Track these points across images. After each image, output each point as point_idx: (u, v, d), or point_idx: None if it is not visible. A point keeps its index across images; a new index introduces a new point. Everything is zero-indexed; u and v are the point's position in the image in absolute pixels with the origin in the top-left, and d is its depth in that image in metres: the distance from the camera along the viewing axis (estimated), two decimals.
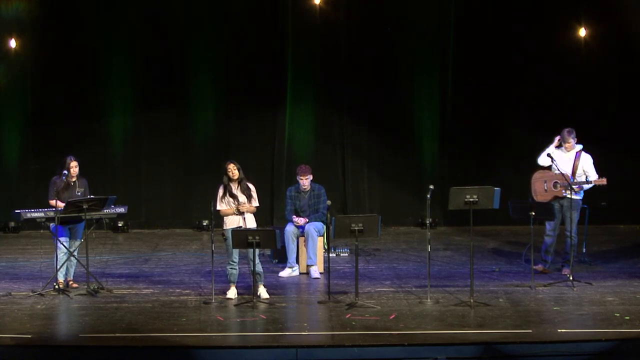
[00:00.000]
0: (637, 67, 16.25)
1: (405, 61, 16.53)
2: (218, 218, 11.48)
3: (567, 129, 12.39)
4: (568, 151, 12.37)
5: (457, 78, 16.44)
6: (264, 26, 16.39)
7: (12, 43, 15.69)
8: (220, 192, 11.34)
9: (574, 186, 12.11)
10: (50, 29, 15.96)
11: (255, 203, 11.35)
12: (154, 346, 9.37)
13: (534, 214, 11.59)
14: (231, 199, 11.27)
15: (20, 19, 15.73)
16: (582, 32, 16.10)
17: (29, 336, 9.58)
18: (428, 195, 11.15)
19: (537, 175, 12.45)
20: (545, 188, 12.29)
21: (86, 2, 16.10)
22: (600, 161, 15.93)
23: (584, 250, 13.38)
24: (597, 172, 12.29)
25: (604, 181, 12.11)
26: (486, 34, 16.27)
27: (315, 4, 16.01)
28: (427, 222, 11.40)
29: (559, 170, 12.13)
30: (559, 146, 12.44)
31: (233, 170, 11.28)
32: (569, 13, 16.19)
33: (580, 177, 12.28)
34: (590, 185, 12.17)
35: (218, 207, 11.33)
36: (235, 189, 11.29)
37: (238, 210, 11.24)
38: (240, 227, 11.16)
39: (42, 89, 16.05)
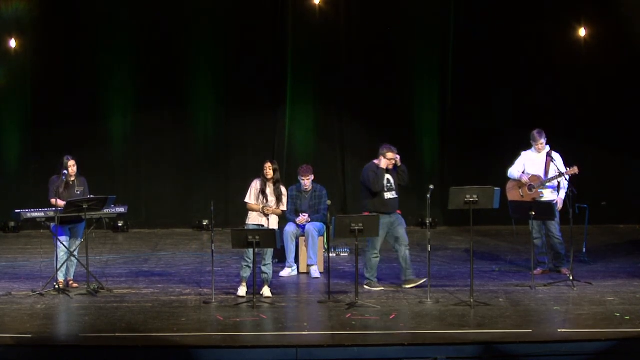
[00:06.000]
0: (637, 67, 16.25)
1: (405, 61, 16.52)
2: (218, 217, 11.48)
3: (536, 130, 12.39)
4: (539, 152, 12.36)
5: (457, 78, 16.44)
6: (264, 26, 16.40)
7: (12, 43, 15.69)
8: (254, 185, 11.36)
9: (547, 183, 12.13)
10: (50, 29, 15.95)
11: (282, 207, 11.39)
12: (154, 346, 9.38)
13: (534, 213, 11.59)
14: (261, 197, 11.30)
15: (20, 19, 15.73)
16: (582, 32, 16.10)
17: (29, 336, 9.58)
18: (428, 195, 11.17)
19: (509, 185, 12.48)
20: (521, 194, 12.31)
21: (86, 2, 16.10)
22: (599, 160, 16.07)
23: (584, 249, 13.39)
24: (567, 166, 12.24)
25: (575, 170, 12.07)
26: (486, 34, 16.27)
27: (315, 4, 16.01)
28: (427, 221, 11.41)
29: (558, 169, 12.13)
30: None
31: (268, 169, 11.31)
32: (569, 13, 16.20)
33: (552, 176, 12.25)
34: (564, 179, 12.07)
35: (247, 200, 11.37)
36: (268, 188, 11.32)
37: (263, 211, 11.26)
38: (262, 225, 11.22)
39: (42, 89, 16.05)
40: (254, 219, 11.37)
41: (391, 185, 11.63)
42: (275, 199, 11.31)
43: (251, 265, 11.11)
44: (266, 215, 11.29)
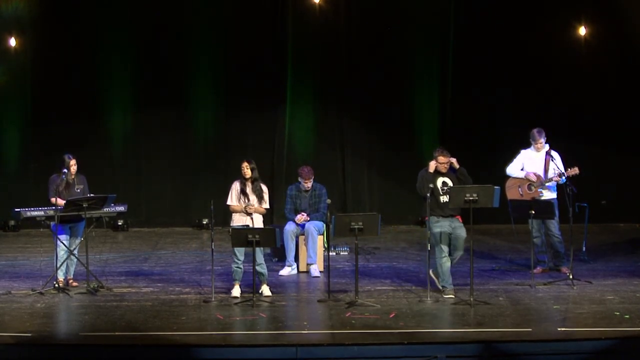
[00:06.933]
0: (637, 67, 16.25)
1: (405, 61, 16.53)
2: (218, 216, 11.47)
3: (536, 129, 12.39)
4: (538, 151, 12.38)
5: (457, 78, 16.45)
6: (264, 26, 16.40)
7: (12, 42, 15.70)
8: (234, 187, 11.32)
9: (547, 183, 12.14)
10: (50, 28, 15.96)
11: (265, 205, 11.32)
12: (153, 345, 9.37)
13: (533, 212, 11.60)
14: (242, 197, 11.26)
15: (20, 18, 15.74)
16: (582, 31, 16.10)
17: (29, 335, 9.58)
18: (428, 194, 11.17)
19: (509, 183, 12.48)
20: (521, 192, 12.32)
21: (86, 1, 16.11)
22: (599, 160, 16.07)
23: (584, 248, 13.39)
24: (567, 166, 12.24)
25: (575, 170, 12.08)
26: (486, 34, 16.28)
27: (315, 4, 16.02)
28: (427, 220, 11.41)
29: (558, 169, 12.14)
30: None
31: (245, 169, 11.26)
32: (569, 12, 16.20)
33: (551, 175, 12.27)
34: (563, 179, 12.09)
35: (228, 202, 11.33)
36: (247, 188, 11.28)
37: (246, 211, 11.23)
38: (247, 225, 11.14)
39: (42, 88, 16.06)
40: (237, 220, 11.29)
41: (448, 189, 11.39)
42: (256, 197, 11.27)
43: (241, 267, 11.14)
44: (249, 215, 11.25)
